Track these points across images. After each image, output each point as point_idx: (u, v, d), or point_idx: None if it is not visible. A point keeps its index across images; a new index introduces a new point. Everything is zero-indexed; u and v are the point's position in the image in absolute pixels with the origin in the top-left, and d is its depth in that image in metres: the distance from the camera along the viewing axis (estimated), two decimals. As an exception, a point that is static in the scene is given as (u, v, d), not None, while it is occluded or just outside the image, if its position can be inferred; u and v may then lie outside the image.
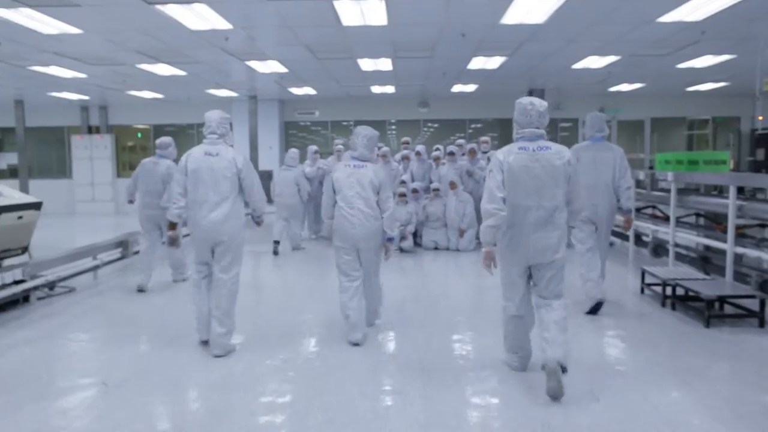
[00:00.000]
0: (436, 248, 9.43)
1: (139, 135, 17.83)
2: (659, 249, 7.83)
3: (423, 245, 9.50)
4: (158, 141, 7.38)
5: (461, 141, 10.76)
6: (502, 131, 17.07)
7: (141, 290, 6.72)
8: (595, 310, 5.57)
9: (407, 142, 11.08)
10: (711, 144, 17.30)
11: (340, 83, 13.34)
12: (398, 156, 10.72)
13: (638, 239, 8.54)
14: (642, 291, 6.33)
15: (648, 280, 6.27)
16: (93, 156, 17.12)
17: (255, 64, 10.71)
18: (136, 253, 8.16)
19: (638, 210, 8.65)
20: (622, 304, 6.00)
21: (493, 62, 10.75)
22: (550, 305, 3.85)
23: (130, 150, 17.95)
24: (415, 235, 9.46)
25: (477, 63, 10.78)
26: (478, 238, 9.18)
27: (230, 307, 4.60)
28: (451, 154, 9.79)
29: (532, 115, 3.86)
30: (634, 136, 17.16)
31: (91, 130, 17.49)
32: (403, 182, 9.57)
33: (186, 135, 17.32)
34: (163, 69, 10.83)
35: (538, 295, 3.93)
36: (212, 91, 14.32)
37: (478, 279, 7.17)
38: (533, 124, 3.86)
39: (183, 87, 13.42)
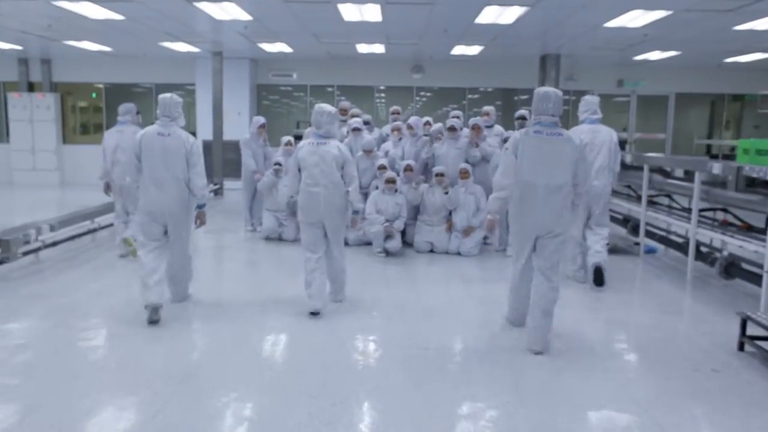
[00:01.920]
0: (431, 251, 7.39)
1: (94, 95, 15.46)
2: (733, 269, 5.85)
3: (415, 246, 7.44)
4: (121, 107, 7.11)
5: (457, 113, 8.65)
6: (505, 103, 14.94)
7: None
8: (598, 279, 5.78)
9: (397, 112, 8.97)
10: (735, 125, 15.33)
11: (320, 39, 11.11)
12: (386, 128, 8.56)
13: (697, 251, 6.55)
14: (741, 347, 4.30)
15: (752, 330, 4.26)
16: (33, 118, 14.75)
17: (208, 7, 8.47)
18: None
19: (700, 212, 6.65)
20: (710, 374, 3.96)
21: (509, 15, 8.58)
22: (546, 281, 4.25)
23: (82, 111, 15.61)
24: (403, 233, 7.41)
25: (489, 15, 8.60)
26: (485, 239, 7.18)
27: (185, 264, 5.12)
28: (452, 129, 7.68)
29: (548, 103, 4.22)
30: (651, 114, 15.13)
31: (32, 87, 15.10)
32: (382, 167, 7.51)
33: (141, 94, 15.00)
34: (90, 9, 8.55)
35: (537, 267, 4.32)
36: (167, 45, 12.02)
37: (491, 303, 5.17)
38: (549, 111, 4.22)
39: (130, 38, 11.13)
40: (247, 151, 8.58)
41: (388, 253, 7.12)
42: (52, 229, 6.41)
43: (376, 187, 7.46)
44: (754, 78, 14.35)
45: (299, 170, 4.97)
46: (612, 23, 8.93)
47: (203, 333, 4.64)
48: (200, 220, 5.01)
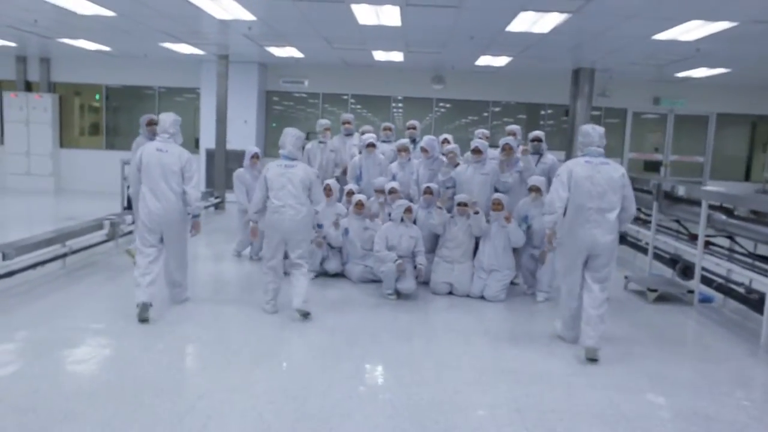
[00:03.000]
0: (450, 293, 6.36)
1: (98, 96, 14.62)
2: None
3: (431, 287, 6.39)
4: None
5: (484, 131, 7.63)
6: (529, 118, 13.90)
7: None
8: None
9: (413, 127, 7.96)
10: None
11: (332, 44, 10.15)
12: (394, 146, 7.51)
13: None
14: None
15: None
16: (30, 119, 13.93)
17: (207, 5, 7.54)
18: None
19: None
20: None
21: (546, 23, 7.56)
22: (600, 290, 4.69)
23: (91, 111, 14.73)
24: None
25: (523, 22, 7.58)
26: (512, 282, 6.17)
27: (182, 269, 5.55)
28: (477, 151, 6.65)
29: (593, 137, 4.78)
30: (687, 134, 13.99)
31: (30, 86, 14.30)
32: (393, 191, 6.64)
33: (145, 97, 14.14)
34: (76, 4, 7.65)
35: (591, 279, 4.74)
36: (169, 46, 11.13)
37: (527, 380, 4.14)
38: (595, 143, 4.76)
39: (128, 37, 10.25)
40: (240, 186, 7.57)
41: (399, 294, 6.10)
42: (5, 257, 5.47)
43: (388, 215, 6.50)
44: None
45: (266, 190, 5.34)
46: (662, 35, 7.87)
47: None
48: (195, 229, 5.38)
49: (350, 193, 6.91)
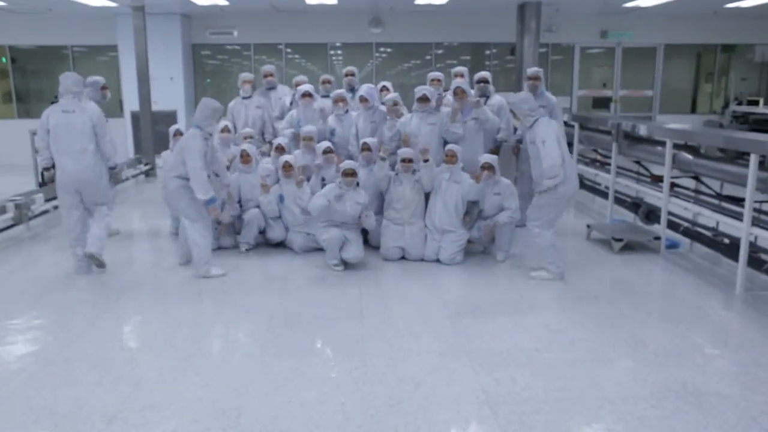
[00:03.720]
0: (403, 257, 5.79)
1: (3, 60, 13.14)
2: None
3: (382, 253, 5.80)
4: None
5: (437, 74, 6.95)
6: (474, 58, 13.23)
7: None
8: None
9: (351, 74, 7.26)
10: (716, 77, 13.91)
11: (257, -13, 9.18)
12: (335, 93, 6.68)
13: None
14: None
15: None
16: None
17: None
18: None
19: (738, 199, 5.21)
20: None
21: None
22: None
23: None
24: (365, 234, 5.85)
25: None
26: (469, 241, 5.66)
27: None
28: (424, 99, 5.99)
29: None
30: (636, 68, 13.60)
31: None
32: (328, 151, 6.09)
33: (61, 57, 12.80)
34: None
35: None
36: (75, -2, 9.91)
37: (493, 364, 3.64)
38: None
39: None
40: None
41: (346, 264, 5.49)
42: None
43: (322, 181, 5.88)
44: (752, 27, 12.95)
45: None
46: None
47: None
48: (114, 179, 5.54)
49: (328, 151, 6.10)
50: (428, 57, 13.14)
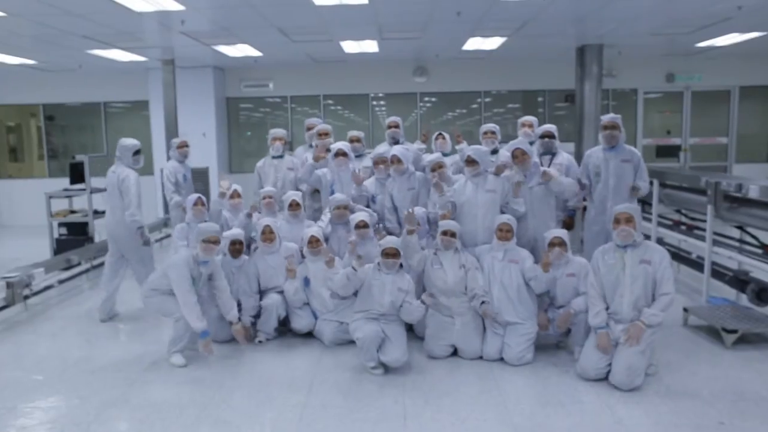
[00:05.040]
0: (454, 353, 4.67)
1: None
2: None
3: (426, 348, 4.68)
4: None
5: (490, 126, 5.95)
6: (525, 106, 12.20)
7: None
8: None
9: (395, 125, 6.29)
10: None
11: (290, 36, 8.44)
12: (376, 154, 5.68)
13: None
14: None
15: None
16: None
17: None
18: None
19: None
20: None
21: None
22: None
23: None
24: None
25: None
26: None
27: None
28: (471, 162, 4.94)
29: None
30: (705, 113, 12.29)
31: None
32: (361, 225, 5.05)
33: (89, 114, 12.35)
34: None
35: None
36: (101, 53, 9.39)
37: None
38: None
39: (45, 46, 8.53)
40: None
41: (386, 368, 4.40)
42: None
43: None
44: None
45: None
46: (699, -9, 6.23)
47: None
48: (139, 238, 5.73)
49: (362, 226, 5.02)
50: (474, 106, 12.22)
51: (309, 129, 6.45)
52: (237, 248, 5.04)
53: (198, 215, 5.46)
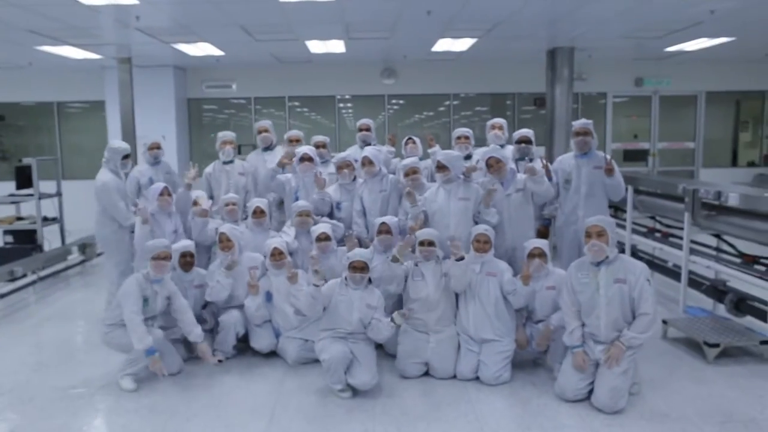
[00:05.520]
0: (427, 373, 4.39)
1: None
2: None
3: (398, 366, 4.38)
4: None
5: (463, 131, 5.71)
6: (493, 109, 12.01)
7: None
8: None
9: (367, 128, 6.04)
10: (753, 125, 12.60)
11: (253, 35, 8.07)
12: (339, 158, 5.44)
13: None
14: None
15: None
16: None
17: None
18: None
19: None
20: None
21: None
22: None
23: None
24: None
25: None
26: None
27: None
28: (441, 168, 4.66)
29: None
30: (672, 118, 12.30)
31: None
32: (323, 238, 4.76)
33: (51, 113, 11.72)
34: None
35: None
36: (51, 50, 8.85)
37: None
38: None
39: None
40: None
41: (355, 390, 4.08)
42: None
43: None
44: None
45: None
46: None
47: None
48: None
49: (323, 238, 4.77)
50: (442, 108, 11.99)
51: (260, 132, 6.08)
52: (188, 261, 4.67)
53: (164, 206, 5.08)
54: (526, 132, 5.35)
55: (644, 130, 12.22)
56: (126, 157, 5.54)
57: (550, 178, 4.87)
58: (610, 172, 4.79)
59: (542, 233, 5.17)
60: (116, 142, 5.72)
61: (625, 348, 3.73)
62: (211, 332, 4.78)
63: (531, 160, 5.25)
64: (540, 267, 4.28)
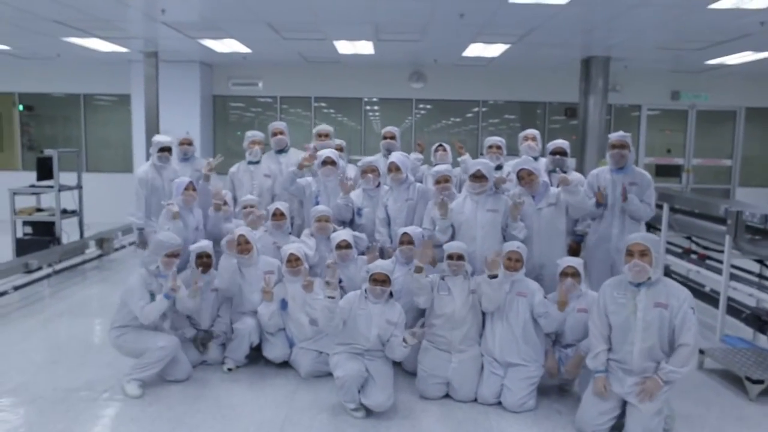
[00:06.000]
0: (447, 395, 4.14)
1: (21, 107, 12.08)
2: None
3: (418, 387, 4.15)
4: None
5: (496, 140, 5.46)
6: (523, 118, 11.73)
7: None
8: None
9: (391, 136, 5.79)
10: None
11: (281, 33, 7.91)
12: (365, 162, 5.17)
13: None
14: None
15: None
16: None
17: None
18: None
19: None
20: None
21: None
22: None
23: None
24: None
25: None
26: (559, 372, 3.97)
27: None
28: (478, 177, 4.41)
29: None
30: (709, 134, 11.87)
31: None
32: (343, 245, 4.55)
33: (67, 106, 11.72)
34: None
35: None
36: (78, 42, 8.79)
37: None
38: None
39: (15, 30, 7.93)
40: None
41: (369, 410, 3.85)
42: None
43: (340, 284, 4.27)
44: None
45: None
46: (722, 2, 5.75)
47: None
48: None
49: (343, 246, 4.58)
50: (470, 115, 11.73)
51: (274, 134, 5.84)
52: (204, 262, 4.49)
53: (188, 201, 4.90)
54: (561, 143, 5.08)
55: (678, 145, 11.82)
56: (163, 150, 5.40)
57: (603, 205, 4.62)
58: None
59: (574, 250, 4.89)
60: (159, 135, 5.74)
61: (663, 383, 3.44)
62: (223, 345, 4.60)
63: (565, 172, 4.98)
64: (573, 287, 4.02)
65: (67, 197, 8.06)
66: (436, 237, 4.37)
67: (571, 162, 5.17)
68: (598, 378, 3.60)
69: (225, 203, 5.08)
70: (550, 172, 4.98)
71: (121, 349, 4.22)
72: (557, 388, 4.28)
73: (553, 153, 5.03)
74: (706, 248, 6.23)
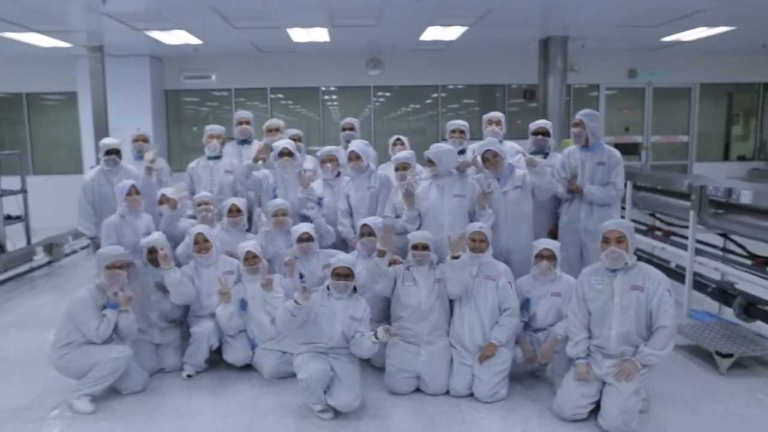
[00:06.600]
0: (418, 388, 4.00)
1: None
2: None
3: (387, 381, 4.00)
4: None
5: (459, 124, 5.32)
6: (483, 102, 11.66)
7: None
8: None
9: (350, 127, 5.63)
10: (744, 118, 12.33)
11: (231, 22, 7.61)
12: (323, 152, 5.02)
13: None
14: None
15: None
16: None
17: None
18: None
19: None
20: None
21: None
22: None
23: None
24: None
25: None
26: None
27: None
28: (429, 163, 4.29)
29: None
30: (665, 111, 11.98)
31: None
32: (305, 238, 4.36)
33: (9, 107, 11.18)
34: None
35: None
36: (16, 37, 8.34)
37: None
38: None
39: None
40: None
41: (337, 411, 3.68)
42: None
43: (301, 278, 4.08)
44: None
45: None
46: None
47: None
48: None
49: (305, 239, 4.35)
50: (429, 101, 11.59)
51: (240, 123, 5.66)
52: (153, 257, 4.24)
53: (134, 207, 4.63)
54: (544, 123, 4.97)
55: (636, 123, 11.92)
56: (110, 153, 5.11)
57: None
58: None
59: (554, 234, 4.77)
60: (105, 138, 5.43)
61: (641, 366, 3.36)
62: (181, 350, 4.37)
63: (546, 155, 4.86)
64: (548, 270, 3.92)
65: (11, 202, 7.65)
66: (398, 223, 4.22)
67: (552, 143, 5.04)
68: (581, 363, 3.52)
69: (173, 201, 4.76)
70: (532, 154, 4.83)
71: (66, 370, 3.88)
72: (530, 375, 4.18)
73: (535, 133, 4.91)
74: (670, 224, 6.22)
